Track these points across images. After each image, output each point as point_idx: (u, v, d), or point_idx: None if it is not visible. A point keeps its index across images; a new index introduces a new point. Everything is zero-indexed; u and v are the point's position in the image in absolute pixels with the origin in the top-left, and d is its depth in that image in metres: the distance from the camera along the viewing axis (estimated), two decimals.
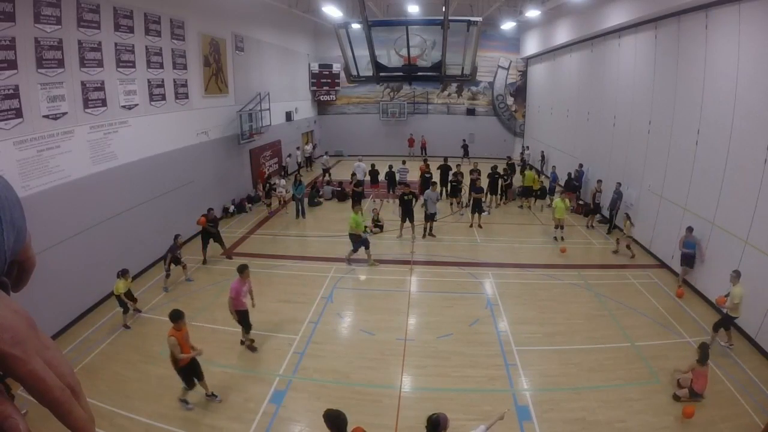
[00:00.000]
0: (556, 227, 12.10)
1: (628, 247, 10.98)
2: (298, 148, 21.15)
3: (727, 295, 7.03)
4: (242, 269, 7.04)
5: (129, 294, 7.93)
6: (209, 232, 10.51)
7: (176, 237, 9.21)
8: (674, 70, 9.96)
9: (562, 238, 12.04)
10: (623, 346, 7.19)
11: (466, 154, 22.47)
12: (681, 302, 8.68)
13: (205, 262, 10.61)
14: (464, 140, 23.24)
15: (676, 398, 5.93)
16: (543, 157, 19.89)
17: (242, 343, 7.22)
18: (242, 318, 7.06)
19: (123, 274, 7.74)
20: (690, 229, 8.94)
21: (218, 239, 10.76)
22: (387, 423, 5.61)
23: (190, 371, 5.76)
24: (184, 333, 5.64)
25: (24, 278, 0.57)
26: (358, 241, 10.32)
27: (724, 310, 7.12)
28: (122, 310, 7.78)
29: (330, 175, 18.34)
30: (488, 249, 11.70)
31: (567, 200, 12.25)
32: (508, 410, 4.83)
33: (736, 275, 6.98)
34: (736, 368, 6.63)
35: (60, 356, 0.48)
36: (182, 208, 11.42)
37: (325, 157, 19.94)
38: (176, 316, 5.57)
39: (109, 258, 8.35)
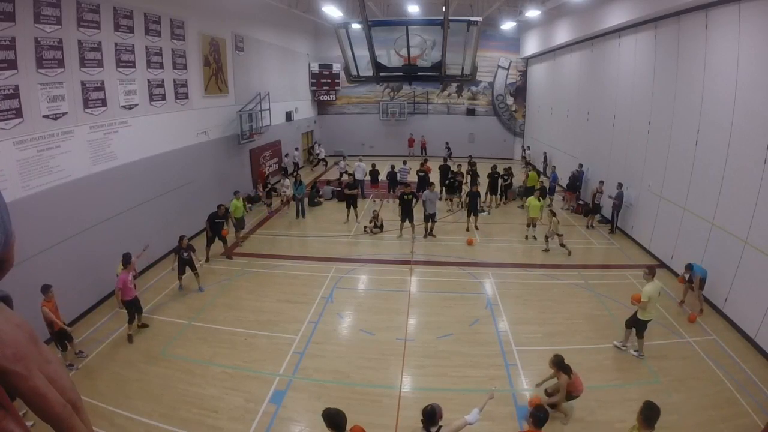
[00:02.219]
0: (529, 226, 12.15)
1: (561, 244, 11.00)
2: (296, 149, 21.10)
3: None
4: (127, 261, 7.56)
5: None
6: (215, 230, 10.51)
7: (180, 238, 9.09)
8: (674, 70, 9.96)
9: (535, 237, 12.12)
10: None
11: (449, 155, 22.30)
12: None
13: (207, 260, 10.63)
14: (447, 142, 22.72)
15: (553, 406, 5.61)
16: (546, 159, 19.52)
17: (139, 326, 7.74)
18: (131, 306, 7.45)
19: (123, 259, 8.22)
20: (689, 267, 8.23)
21: (221, 237, 10.78)
22: (387, 423, 5.62)
23: (61, 336, 6.60)
24: (53, 304, 6.48)
25: None
26: (236, 223, 11.61)
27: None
28: None
29: (347, 175, 17.47)
30: (488, 249, 11.70)
31: (542, 200, 12.31)
32: (495, 388, 4.92)
33: (650, 271, 6.76)
34: (736, 368, 6.63)
35: (61, 370, 0.48)
36: (182, 208, 11.43)
37: (342, 163, 19.01)
38: (45, 289, 6.40)
39: (109, 258, 8.34)
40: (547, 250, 11.19)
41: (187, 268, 9.16)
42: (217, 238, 10.67)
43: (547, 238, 11.25)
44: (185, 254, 9.04)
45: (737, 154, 7.93)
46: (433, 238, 12.21)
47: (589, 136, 15.20)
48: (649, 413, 4.23)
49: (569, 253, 10.97)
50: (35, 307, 6.38)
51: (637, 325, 6.83)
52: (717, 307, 8.26)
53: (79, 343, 7.35)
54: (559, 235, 10.95)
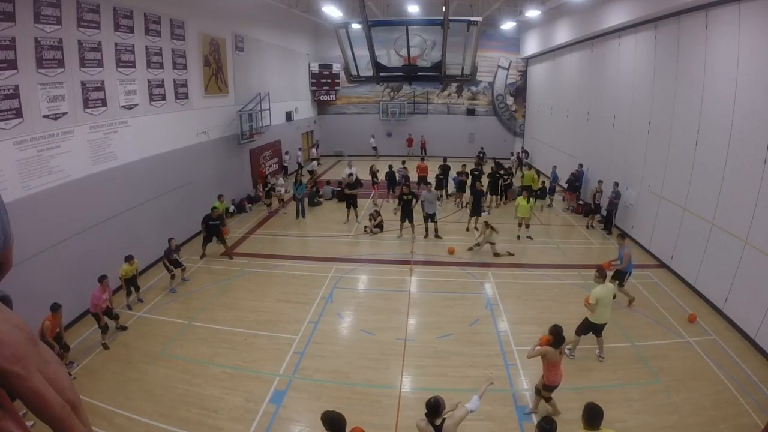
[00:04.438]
0: (520, 225, 12.09)
1: (495, 253, 10.95)
2: (300, 149, 21.11)
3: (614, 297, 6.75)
4: (102, 278, 7.29)
5: (132, 280, 8.43)
6: (212, 230, 10.58)
7: (170, 240, 9.26)
8: (674, 70, 9.96)
9: (530, 237, 12.11)
10: (623, 346, 7.19)
11: (482, 158, 22.35)
12: (680, 302, 8.67)
13: (203, 256, 10.67)
14: (482, 148, 22.13)
15: (539, 391, 5.62)
16: (520, 159, 18.75)
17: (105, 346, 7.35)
18: (99, 317, 7.28)
19: (127, 259, 8.24)
20: (623, 236, 8.11)
21: (221, 238, 10.80)
22: (387, 423, 5.62)
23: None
24: (58, 321, 6.55)
25: None
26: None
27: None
28: (125, 291, 8.46)
29: (313, 176, 18.23)
30: (488, 249, 11.68)
31: (532, 200, 12.27)
32: (492, 373, 4.88)
33: (599, 274, 6.72)
34: (736, 368, 6.63)
35: (61, 371, 0.48)
36: (182, 208, 11.43)
37: (313, 163, 20.17)
38: (54, 308, 6.44)
39: (109, 258, 8.34)
40: (472, 249, 11.20)
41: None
42: (214, 238, 10.74)
43: (478, 245, 11.13)
44: (174, 255, 9.22)
45: (737, 154, 7.92)
46: (437, 239, 12.14)
47: (589, 136, 15.19)
48: (592, 414, 3.99)
49: (497, 254, 10.92)
50: (34, 308, 6.39)
51: (594, 329, 6.73)
52: (717, 307, 8.25)
53: (78, 343, 7.36)
54: (492, 244, 10.91)
